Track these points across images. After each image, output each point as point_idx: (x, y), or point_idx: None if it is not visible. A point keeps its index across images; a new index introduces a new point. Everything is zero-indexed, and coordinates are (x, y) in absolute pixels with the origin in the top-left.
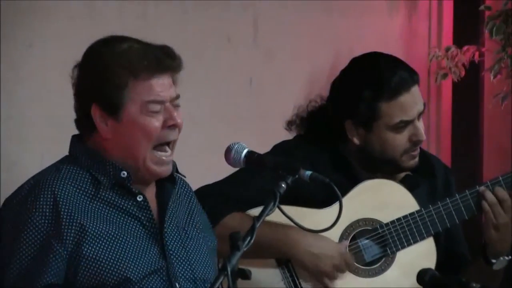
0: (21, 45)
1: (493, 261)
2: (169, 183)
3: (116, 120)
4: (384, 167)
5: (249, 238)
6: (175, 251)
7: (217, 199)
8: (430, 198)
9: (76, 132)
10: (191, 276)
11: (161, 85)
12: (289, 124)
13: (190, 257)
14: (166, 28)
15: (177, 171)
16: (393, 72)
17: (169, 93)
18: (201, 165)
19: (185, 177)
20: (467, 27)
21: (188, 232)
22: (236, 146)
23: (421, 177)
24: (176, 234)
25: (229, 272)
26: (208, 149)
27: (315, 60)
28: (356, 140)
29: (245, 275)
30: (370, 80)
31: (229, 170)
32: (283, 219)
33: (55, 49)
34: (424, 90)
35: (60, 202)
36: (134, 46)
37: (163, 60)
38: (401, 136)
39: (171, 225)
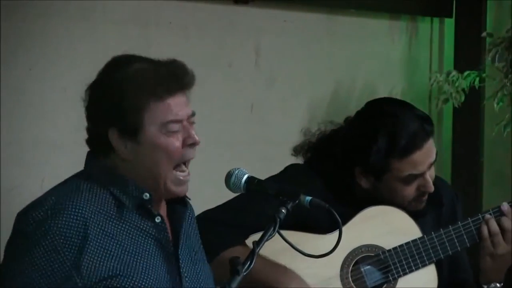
0: (21, 68)
1: (485, 287)
2: (180, 204)
3: (135, 143)
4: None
5: (248, 262)
6: (189, 274)
7: (223, 226)
8: (435, 226)
9: (72, 154)
10: None
11: (178, 104)
12: (296, 150)
13: (200, 280)
14: (167, 53)
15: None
16: (407, 129)
17: (186, 111)
18: (202, 190)
19: (190, 199)
20: (468, 52)
21: (197, 255)
22: (237, 171)
23: (427, 206)
24: (188, 257)
25: None
26: (209, 174)
27: (317, 86)
28: (364, 184)
29: None
30: (382, 135)
31: (229, 195)
32: (284, 244)
33: (55, 72)
34: None
35: (89, 223)
36: (145, 66)
37: (180, 77)
38: (409, 187)
39: (184, 247)
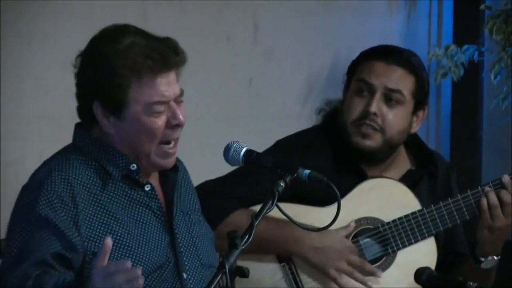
0: (20, 42)
1: (482, 259)
2: (172, 171)
3: (118, 118)
4: (346, 142)
5: (247, 236)
6: (183, 240)
7: (221, 196)
8: (430, 196)
9: (71, 128)
10: (198, 263)
11: (165, 84)
12: (319, 111)
13: (196, 244)
14: (165, 27)
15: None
16: (385, 47)
17: (173, 91)
18: (201, 164)
19: (181, 162)
20: (467, 26)
21: (191, 217)
22: (235, 144)
23: (423, 173)
24: (183, 222)
25: (227, 270)
26: (208, 148)
27: (315, 60)
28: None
29: (243, 273)
30: (366, 50)
31: (228, 169)
32: (282, 217)
33: (54, 46)
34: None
35: (77, 194)
36: (137, 41)
37: (168, 57)
38: (357, 100)
39: (178, 214)
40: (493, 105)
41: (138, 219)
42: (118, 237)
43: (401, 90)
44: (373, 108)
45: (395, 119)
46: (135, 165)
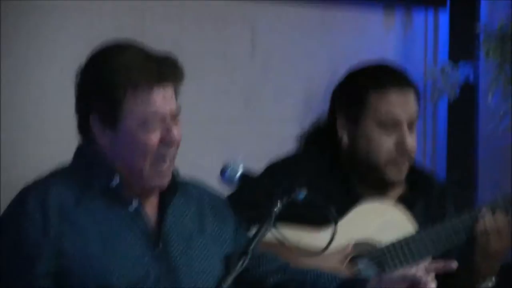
0: (19, 46)
1: (480, 281)
2: (170, 191)
3: (114, 131)
4: (370, 175)
5: (243, 258)
6: (176, 259)
7: None
8: (425, 216)
9: (74, 132)
10: (193, 285)
11: (161, 99)
12: (300, 138)
13: (194, 265)
14: (162, 41)
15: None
16: (384, 69)
17: (169, 107)
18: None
19: (198, 185)
20: (463, 42)
21: (195, 240)
22: (232, 165)
23: (418, 195)
24: (179, 242)
25: None
26: (203, 167)
27: (313, 76)
28: (345, 138)
29: None
30: (362, 73)
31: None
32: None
33: (54, 51)
34: (420, 108)
35: (50, 210)
36: (134, 55)
37: (164, 71)
38: (387, 138)
39: (172, 232)
40: (491, 127)
41: (115, 234)
42: (85, 253)
43: (417, 113)
44: (409, 144)
45: (415, 142)
46: (117, 179)
